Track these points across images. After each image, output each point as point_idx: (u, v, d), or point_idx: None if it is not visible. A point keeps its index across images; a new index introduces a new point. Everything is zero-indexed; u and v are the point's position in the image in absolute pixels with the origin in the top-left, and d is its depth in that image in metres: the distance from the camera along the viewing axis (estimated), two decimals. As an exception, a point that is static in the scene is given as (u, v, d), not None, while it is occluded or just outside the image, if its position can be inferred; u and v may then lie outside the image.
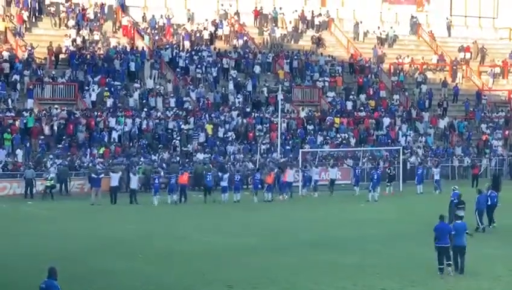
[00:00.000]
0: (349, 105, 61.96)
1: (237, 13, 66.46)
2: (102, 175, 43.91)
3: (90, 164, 47.65)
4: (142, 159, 49.88)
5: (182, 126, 54.32)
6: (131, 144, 52.12)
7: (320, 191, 47.52)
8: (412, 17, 73.23)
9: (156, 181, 43.97)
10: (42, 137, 50.03)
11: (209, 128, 54.71)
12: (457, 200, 32.25)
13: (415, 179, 49.95)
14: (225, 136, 54.98)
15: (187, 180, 44.53)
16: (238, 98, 58.74)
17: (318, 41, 67.35)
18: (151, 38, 61.20)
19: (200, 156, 51.81)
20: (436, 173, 49.87)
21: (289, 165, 48.09)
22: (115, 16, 61.98)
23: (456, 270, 24.57)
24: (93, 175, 43.83)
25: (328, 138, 57.56)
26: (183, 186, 43.82)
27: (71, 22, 59.33)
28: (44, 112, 51.82)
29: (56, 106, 52.46)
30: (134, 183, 43.49)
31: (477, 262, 26.59)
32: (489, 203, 33.84)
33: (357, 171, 48.71)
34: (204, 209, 41.38)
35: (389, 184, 48.03)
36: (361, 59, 66.78)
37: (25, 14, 58.42)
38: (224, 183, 44.10)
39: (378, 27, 71.43)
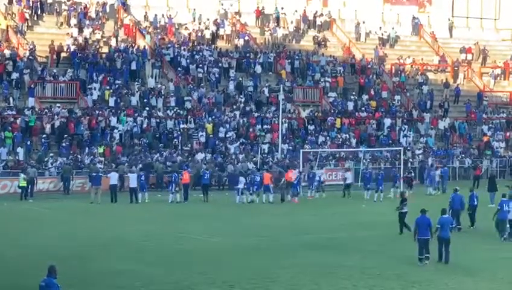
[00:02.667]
0: (351, 105, 61.96)
1: (238, 13, 66.45)
2: (101, 173, 43.96)
3: (91, 163, 47.70)
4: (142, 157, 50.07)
5: (182, 125, 54.31)
6: (132, 143, 52.12)
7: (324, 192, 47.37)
8: (414, 18, 73.26)
9: (144, 179, 44.10)
10: (45, 136, 50.05)
11: (209, 127, 54.71)
12: (401, 198, 32.73)
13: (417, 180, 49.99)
14: (226, 135, 54.96)
15: (188, 179, 44.49)
16: (240, 98, 58.73)
17: (320, 42, 67.40)
18: (152, 37, 61.22)
19: (201, 155, 51.83)
20: (436, 175, 49.87)
21: (291, 166, 47.85)
22: (117, 15, 62.01)
23: (440, 260, 26.03)
24: (93, 173, 43.90)
25: (328, 138, 57.56)
26: (185, 185, 43.80)
27: (73, 21, 59.34)
28: (45, 110, 51.82)
29: (58, 105, 52.46)
30: (133, 181, 43.34)
31: (478, 263, 26.68)
32: (474, 203, 33.94)
33: (367, 174, 47.71)
34: (205, 208, 41.36)
35: (408, 187, 47.02)
36: (361, 59, 66.77)
37: (27, 13, 58.44)
38: (240, 186, 43.61)
39: (380, 28, 71.47)
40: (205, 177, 44.75)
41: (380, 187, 45.24)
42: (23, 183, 43.81)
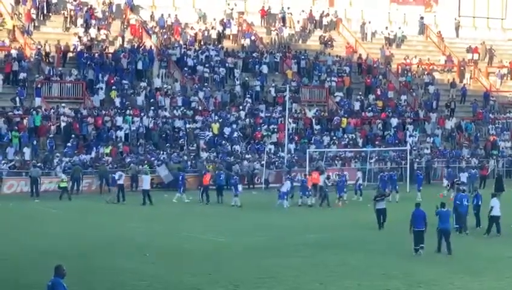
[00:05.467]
0: (357, 105, 61.92)
1: (242, 13, 66.41)
2: (113, 174, 44.05)
3: (100, 164, 47.76)
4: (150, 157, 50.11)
5: (188, 125, 54.30)
6: (138, 143, 52.16)
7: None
8: (420, 17, 73.16)
9: (181, 179, 44.07)
10: (51, 136, 50.11)
11: (215, 127, 54.69)
12: (377, 193, 34.35)
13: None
14: (233, 136, 54.91)
15: (209, 181, 44.28)
16: (246, 98, 58.74)
17: (326, 42, 67.34)
18: (159, 37, 61.26)
19: (206, 155, 51.81)
20: (464, 177, 48.70)
21: (321, 170, 47.03)
22: (123, 15, 62.09)
23: (439, 251, 27.53)
24: (113, 175, 43.84)
25: (335, 138, 57.52)
26: (205, 187, 43.44)
27: (79, 21, 59.43)
28: (52, 110, 51.89)
29: (63, 105, 52.53)
30: (146, 183, 42.79)
31: (484, 263, 26.66)
32: (479, 203, 33.89)
33: (384, 177, 45.65)
34: (211, 208, 41.35)
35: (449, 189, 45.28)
36: (366, 58, 66.70)
37: (34, 13, 58.53)
38: (283, 189, 42.61)
39: (386, 27, 71.38)
40: (220, 179, 44.51)
41: (396, 187, 44.82)
42: (64, 184, 43.81)
